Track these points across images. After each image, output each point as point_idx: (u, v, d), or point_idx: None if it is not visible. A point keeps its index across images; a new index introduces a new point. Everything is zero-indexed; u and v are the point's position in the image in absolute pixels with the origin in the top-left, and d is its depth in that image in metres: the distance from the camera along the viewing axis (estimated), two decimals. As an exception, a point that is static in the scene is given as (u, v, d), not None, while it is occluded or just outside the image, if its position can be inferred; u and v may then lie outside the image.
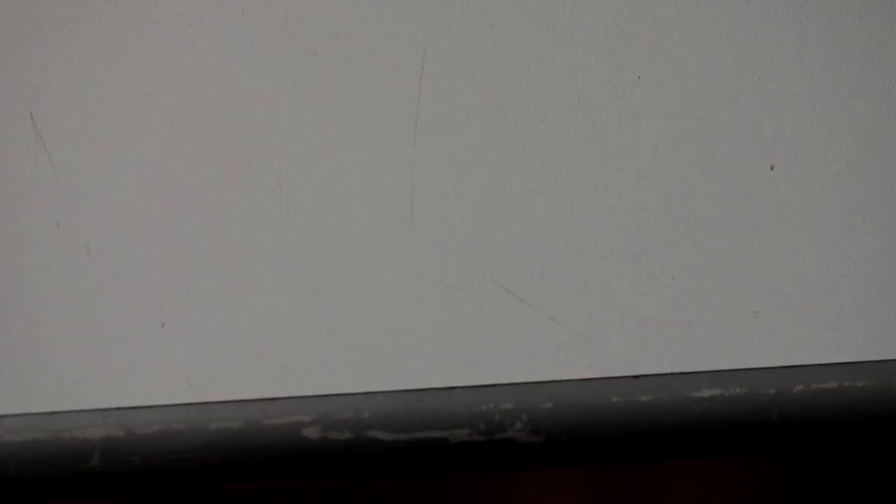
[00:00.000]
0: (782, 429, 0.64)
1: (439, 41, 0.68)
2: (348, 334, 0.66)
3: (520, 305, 0.66)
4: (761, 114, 0.67)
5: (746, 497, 0.77)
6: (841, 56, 0.68)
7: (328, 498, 0.72)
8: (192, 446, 0.65)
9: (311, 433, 0.65)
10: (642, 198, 0.67)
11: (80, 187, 0.68)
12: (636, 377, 0.65)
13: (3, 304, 0.67)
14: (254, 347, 0.66)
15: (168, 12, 0.69)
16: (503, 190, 0.67)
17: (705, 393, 0.64)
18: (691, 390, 0.65)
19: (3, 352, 0.66)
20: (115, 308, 0.67)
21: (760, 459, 0.71)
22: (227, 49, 0.68)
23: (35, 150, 0.68)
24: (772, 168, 0.67)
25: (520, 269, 0.67)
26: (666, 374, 0.65)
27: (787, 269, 0.66)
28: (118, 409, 0.65)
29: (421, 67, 0.68)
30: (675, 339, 0.66)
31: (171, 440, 0.65)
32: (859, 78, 0.67)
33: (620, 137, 0.67)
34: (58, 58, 0.69)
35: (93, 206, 0.68)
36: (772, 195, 0.67)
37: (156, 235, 0.67)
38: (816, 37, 0.68)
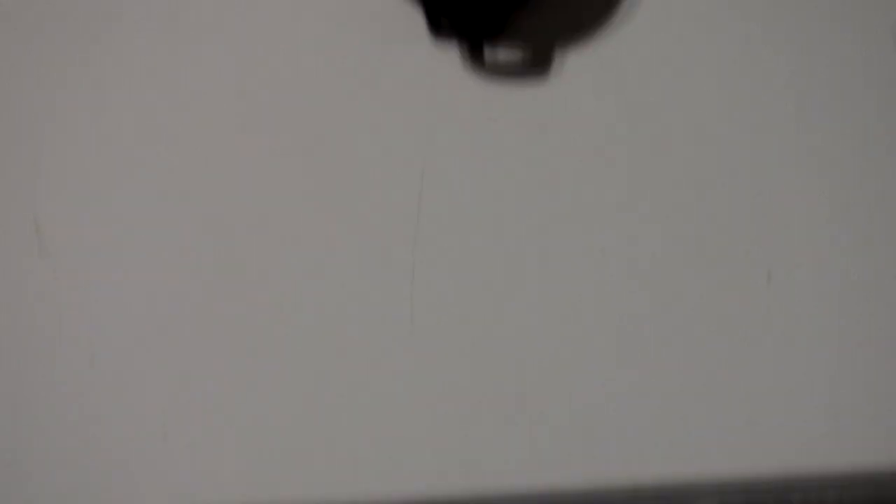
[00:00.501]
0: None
1: (438, 153, 0.69)
2: (349, 443, 0.67)
3: (519, 412, 0.66)
4: (758, 221, 0.68)
5: None
6: (837, 162, 0.68)
7: None
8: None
9: (310, 554, 0.65)
10: (640, 305, 0.67)
11: (83, 298, 0.68)
12: (635, 489, 0.65)
13: (5, 418, 0.67)
14: (255, 458, 0.66)
15: (168, 123, 0.69)
16: (501, 299, 0.67)
17: (702, 510, 0.65)
18: (690, 502, 0.65)
19: (5, 467, 0.67)
20: (118, 420, 0.67)
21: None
22: (228, 162, 0.69)
23: (38, 259, 0.69)
24: (769, 276, 0.67)
25: (519, 375, 0.67)
26: (664, 486, 0.65)
27: (786, 378, 0.66)
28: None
29: (421, 179, 0.68)
30: (673, 447, 0.66)
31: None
32: (856, 185, 0.68)
33: (618, 245, 0.68)
34: (62, 168, 0.69)
35: (96, 316, 0.68)
36: (769, 302, 0.67)
37: (158, 346, 0.68)
38: (812, 144, 0.68)
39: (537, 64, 0.69)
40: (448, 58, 0.69)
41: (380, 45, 0.69)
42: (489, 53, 0.69)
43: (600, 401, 0.66)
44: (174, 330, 0.68)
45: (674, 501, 0.65)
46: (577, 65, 0.69)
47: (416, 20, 0.68)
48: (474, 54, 0.68)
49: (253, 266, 0.68)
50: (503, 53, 0.69)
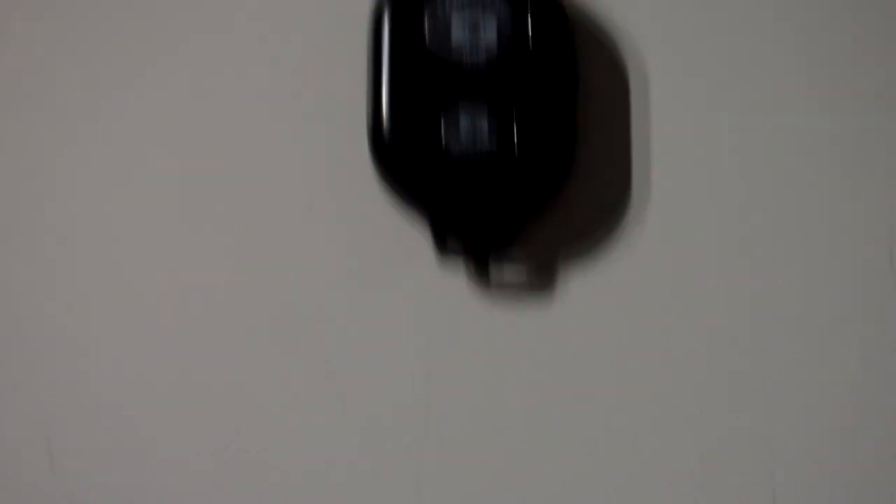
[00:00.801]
0: None
1: (444, 368, 0.69)
2: None
3: None
4: (763, 441, 0.68)
5: None
6: (840, 378, 0.69)
7: None
8: None
9: None
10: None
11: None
12: None
13: None
14: None
15: (171, 343, 0.70)
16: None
17: None
18: None
19: None
20: None
21: None
22: (232, 384, 0.70)
23: (49, 475, 0.69)
24: (774, 497, 0.67)
25: None
26: None
27: None
28: None
29: (427, 393, 0.69)
30: None
31: None
32: (861, 402, 0.68)
33: (623, 465, 0.68)
34: (75, 389, 0.70)
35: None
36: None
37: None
38: (814, 357, 0.69)
39: (542, 282, 0.70)
40: (454, 276, 0.70)
41: (385, 262, 0.70)
42: (495, 272, 0.70)
43: None
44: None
45: None
46: (581, 282, 0.69)
47: (423, 237, 0.69)
48: (480, 273, 0.69)
49: (256, 479, 0.68)
50: (509, 272, 0.70)
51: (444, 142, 0.67)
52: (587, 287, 0.69)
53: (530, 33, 0.68)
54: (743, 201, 0.70)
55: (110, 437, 0.69)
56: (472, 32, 0.67)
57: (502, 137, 0.67)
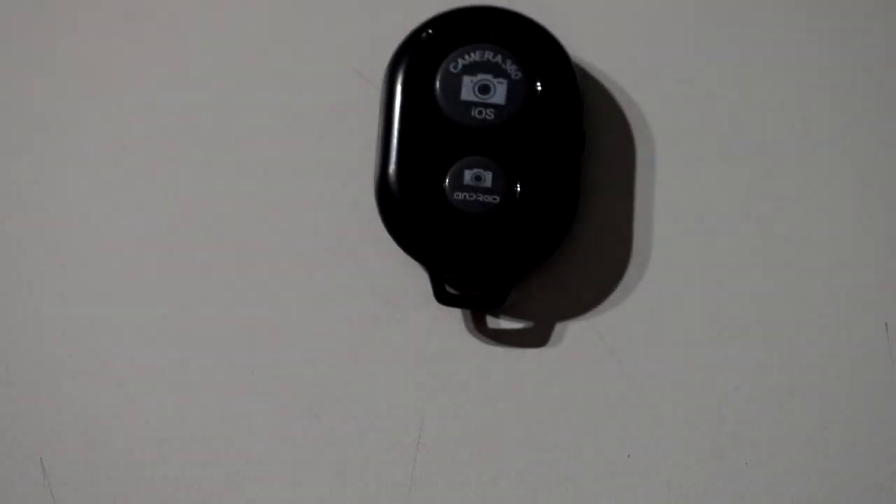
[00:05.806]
0: None
1: (437, 412, 0.70)
2: None
3: None
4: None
5: None
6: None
7: None
8: None
9: None
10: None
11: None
12: None
13: None
14: None
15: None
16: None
17: None
18: None
19: None
20: None
21: None
22: (231, 432, 0.71)
23: (42, 496, 0.70)
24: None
25: None
26: None
27: None
28: None
29: (418, 436, 0.70)
30: None
31: None
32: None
33: (619, 489, 0.69)
34: (69, 406, 0.71)
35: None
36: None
37: None
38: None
39: (538, 333, 0.71)
40: (453, 321, 0.71)
41: (385, 305, 0.71)
42: (492, 321, 0.71)
43: None
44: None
45: None
46: (577, 335, 0.71)
47: (426, 284, 0.71)
48: (477, 322, 0.71)
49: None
50: (505, 321, 0.71)
51: (448, 196, 0.68)
52: (583, 337, 0.71)
53: (539, 95, 0.69)
54: (743, 260, 0.71)
55: (103, 460, 0.70)
56: (481, 93, 0.69)
57: (505, 193, 0.68)
